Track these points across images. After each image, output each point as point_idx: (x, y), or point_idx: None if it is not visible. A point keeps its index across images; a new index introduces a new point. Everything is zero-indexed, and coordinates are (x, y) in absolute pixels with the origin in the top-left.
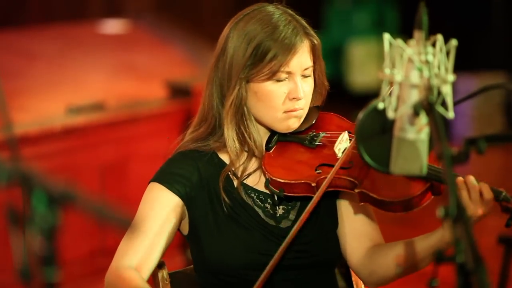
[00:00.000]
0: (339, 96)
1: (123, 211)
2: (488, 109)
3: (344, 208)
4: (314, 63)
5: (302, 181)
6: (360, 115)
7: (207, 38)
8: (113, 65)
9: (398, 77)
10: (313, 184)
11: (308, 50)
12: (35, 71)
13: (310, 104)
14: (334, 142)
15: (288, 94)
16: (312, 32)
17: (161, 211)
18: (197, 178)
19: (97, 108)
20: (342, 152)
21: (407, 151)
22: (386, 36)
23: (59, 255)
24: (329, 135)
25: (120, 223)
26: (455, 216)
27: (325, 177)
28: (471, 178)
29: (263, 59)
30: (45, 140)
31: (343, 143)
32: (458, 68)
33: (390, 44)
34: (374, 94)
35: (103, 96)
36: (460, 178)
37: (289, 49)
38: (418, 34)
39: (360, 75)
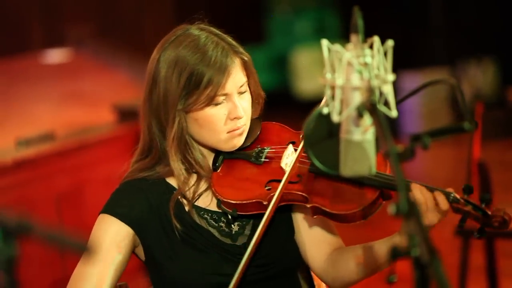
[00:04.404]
0: (286, 105)
1: (78, 236)
2: (434, 104)
3: (299, 217)
4: (248, 77)
5: (254, 200)
6: (307, 121)
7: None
8: (60, 94)
9: (339, 81)
10: (265, 203)
11: (240, 67)
12: None
13: (251, 117)
14: (280, 156)
15: (228, 115)
16: (240, 49)
17: (111, 242)
18: (147, 206)
19: (47, 139)
20: (289, 166)
21: (354, 153)
22: (324, 42)
23: (19, 287)
24: (274, 150)
25: (78, 247)
26: (406, 212)
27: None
28: (424, 188)
29: (199, 87)
30: None
31: (289, 157)
32: (402, 66)
33: (329, 49)
34: (321, 100)
35: (52, 126)
36: (416, 185)
37: (222, 72)
38: (355, 38)
39: (306, 82)
